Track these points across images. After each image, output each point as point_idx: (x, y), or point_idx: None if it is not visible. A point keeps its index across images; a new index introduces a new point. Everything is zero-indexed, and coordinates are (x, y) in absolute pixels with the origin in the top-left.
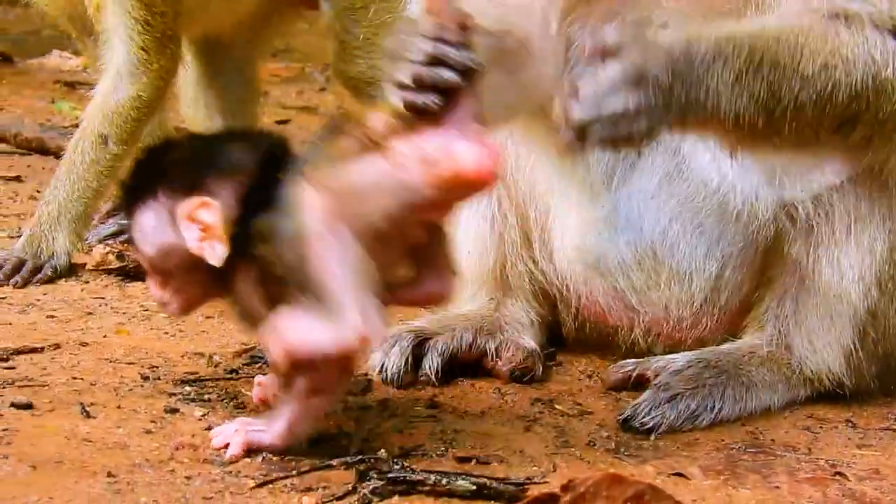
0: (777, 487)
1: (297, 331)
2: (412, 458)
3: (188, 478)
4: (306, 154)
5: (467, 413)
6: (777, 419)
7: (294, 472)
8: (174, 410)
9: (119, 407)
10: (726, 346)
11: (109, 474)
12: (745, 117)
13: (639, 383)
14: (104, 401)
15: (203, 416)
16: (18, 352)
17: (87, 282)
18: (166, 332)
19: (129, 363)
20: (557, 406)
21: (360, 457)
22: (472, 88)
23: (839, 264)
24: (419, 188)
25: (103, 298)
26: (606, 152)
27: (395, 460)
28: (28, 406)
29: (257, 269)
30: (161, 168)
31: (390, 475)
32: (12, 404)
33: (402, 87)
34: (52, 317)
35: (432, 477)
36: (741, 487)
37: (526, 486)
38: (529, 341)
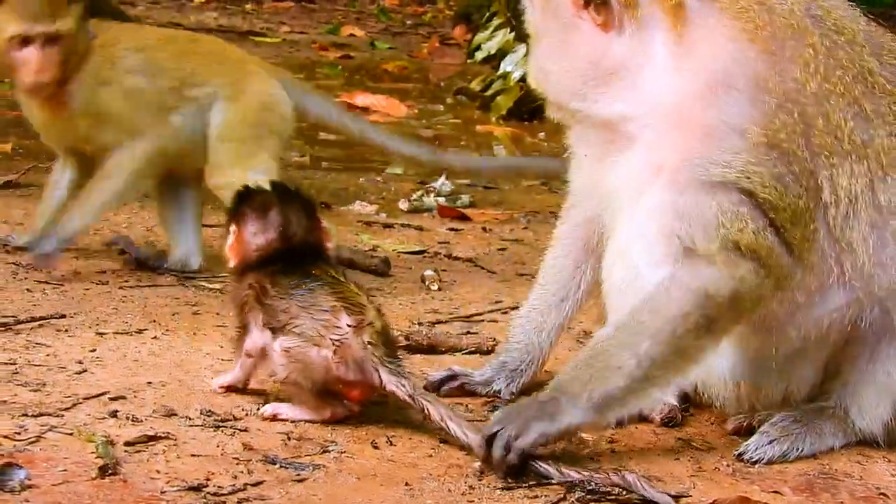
0: (842, 502)
1: None
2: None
3: (457, 486)
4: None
5: (635, 447)
6: (838, 456)
7: (525, 485)
8: (445, 441)
9: (410, 439)
10: (806, 406)
11: (406, 484)
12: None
13: (748, 429)
14: (400, 434)
15: (463, 447)
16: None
17: None
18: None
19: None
20: (693, 443)
21: (568, 476)
22: None
23: (887, 368)
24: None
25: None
26: None
27: (590, 479)
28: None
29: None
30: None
31: (588, 488)
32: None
33: None
34: None
35: (615, 490)
36: (817, 502)
37: (678, 499)
38: (672, 400)
